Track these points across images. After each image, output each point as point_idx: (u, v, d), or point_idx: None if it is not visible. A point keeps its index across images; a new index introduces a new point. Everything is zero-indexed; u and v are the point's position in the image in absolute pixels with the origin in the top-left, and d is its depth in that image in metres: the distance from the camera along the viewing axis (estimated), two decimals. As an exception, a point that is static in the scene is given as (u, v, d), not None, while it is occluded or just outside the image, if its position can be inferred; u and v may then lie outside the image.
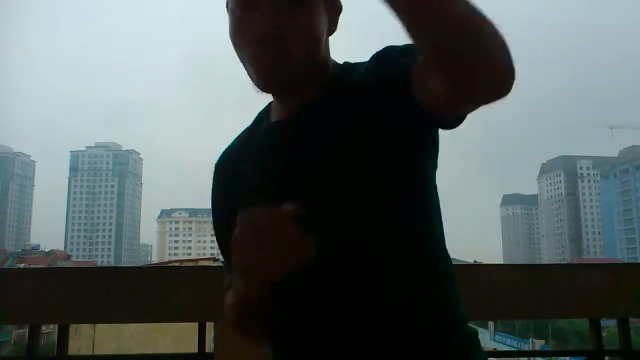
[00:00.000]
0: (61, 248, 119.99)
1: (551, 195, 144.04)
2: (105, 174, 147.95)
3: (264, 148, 0.82)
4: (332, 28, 0.83)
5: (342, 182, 0.73)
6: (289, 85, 0.78)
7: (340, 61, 0.86)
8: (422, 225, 0.77)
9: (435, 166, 0.81)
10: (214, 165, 0.94)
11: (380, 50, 0.77)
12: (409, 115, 0.71)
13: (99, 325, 11.53)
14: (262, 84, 0.78)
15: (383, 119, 0.73)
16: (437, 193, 0.82)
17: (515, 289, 1.72)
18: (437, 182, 0.82)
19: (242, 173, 0.84)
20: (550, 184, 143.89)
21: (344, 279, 0.73)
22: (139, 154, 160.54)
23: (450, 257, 0.83)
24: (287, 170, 0.77)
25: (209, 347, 1.76)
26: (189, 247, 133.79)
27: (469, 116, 0.78)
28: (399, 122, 0.73)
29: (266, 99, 0.88)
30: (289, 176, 0.77)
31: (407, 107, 0.70)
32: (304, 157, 0.77)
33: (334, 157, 0.74)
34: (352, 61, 0.84)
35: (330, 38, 0.85)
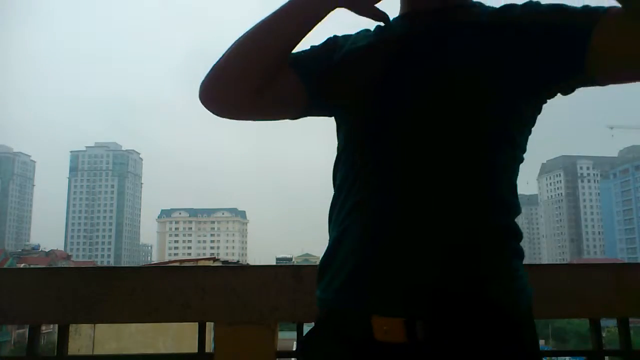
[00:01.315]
0: (61, 248, 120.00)
1: (551, 195, 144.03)
2: (105, 174, 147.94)
3: (397, 31, 0.83)
4: None
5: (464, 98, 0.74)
6: None
7: None
8: (509, 190, 0.78)
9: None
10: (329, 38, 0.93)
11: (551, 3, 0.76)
12: (562, 65, 0.72)
13: (99, 325, 11.52)
14: None
15: (528, 56, 0.73)
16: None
17: (515, 289, 1.71)
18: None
19: (381, 39, 0.84)
20: (550, 184, 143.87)
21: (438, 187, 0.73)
22: (139, 154, 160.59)
23: None
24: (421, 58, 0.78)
25: (209, 347, 1.76)
26: (189, 247, 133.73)
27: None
28: (544, 68, 0.73)
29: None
30: (420, 65, 0.77)
31: (568, 57, 0.71)
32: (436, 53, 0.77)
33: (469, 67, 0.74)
34: None
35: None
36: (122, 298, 1.67)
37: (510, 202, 0.77)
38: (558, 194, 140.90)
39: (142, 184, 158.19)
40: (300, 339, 0.85)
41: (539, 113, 0.81)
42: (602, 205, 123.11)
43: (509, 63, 0.74)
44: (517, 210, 0.78)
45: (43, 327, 1.88)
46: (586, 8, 0.71)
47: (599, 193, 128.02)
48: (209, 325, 1.78)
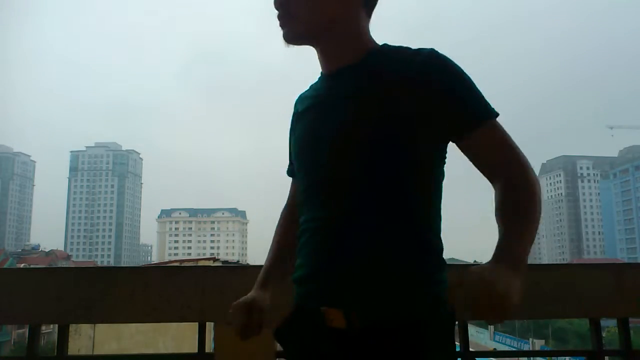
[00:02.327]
0: (61, 248, 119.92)
1: (551, 195, 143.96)
2: (105, 174, 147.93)
3: (315, 94, 1.09)
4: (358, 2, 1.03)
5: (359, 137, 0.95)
6: (298, 38, 1.03)
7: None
8: (420, 199, 0.95)
9: (442, 164, 1.00)
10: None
11: (455, 77, 0.95)
12: (437, 131, 0.94)
13: (99, 325, 11.51)
14: (283, 37, 1.03)
15: (414, 111, 0.93)
16: (440, 188, 0.99)
17: (515, 289, 1.71)
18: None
19: (304, 110, 1.10)
20: (550, 184, 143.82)
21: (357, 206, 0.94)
22: (139, 154, 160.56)
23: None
24: (329, 113, 1.01)
25: (209, 347, 1.76)
26: (189, 247, 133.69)
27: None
28: (425, 130, 0.94)
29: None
30: (330, 117, 1.00)
31: (439, 130, 0.94)
32: (336, 107, 1.00)
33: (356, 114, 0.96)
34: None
35: None
36: (122, 298, 1.67)
37: (425, 221, 0.96)
38: (558, 194, 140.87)
39: (142, 184, 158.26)
40: (277, 327, 1.07)
41: (441, 139, 0.98)
42: (602, 205, 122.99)
43: (394, 125, 0.93)
44: (433, 227, 0.97)
45: (43, 327, 1.88)
46: (472, 109, 0.94)
47: (599, 193, 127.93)
48: (209, 325, 1.78)
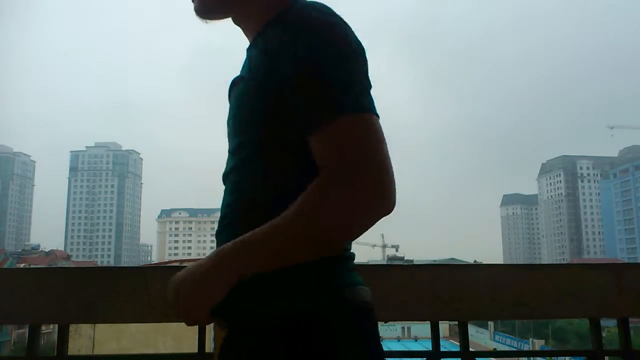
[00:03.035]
0: (61, 248, 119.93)
1: (551, 195, 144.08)
2: (105, 174, 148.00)
3: None
4: None
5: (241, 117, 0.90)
6: (206, 11, 0.97)
7: None
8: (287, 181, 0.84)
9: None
10: None
11: (309, 58, 0.80)
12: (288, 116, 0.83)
13: (99, 325, 11.51)
14: (195, 12, 0.98)
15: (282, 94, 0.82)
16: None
17: (515, 289, 1.71)
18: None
19: None
20: (550, 184, 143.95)
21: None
22: (139, 154, 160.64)
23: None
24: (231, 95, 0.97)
25: (209, 347, 1.76)
26: (189, 247, 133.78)
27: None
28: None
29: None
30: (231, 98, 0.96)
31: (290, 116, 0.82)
32: (234, 87, 0.95)
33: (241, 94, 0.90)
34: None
35: None
36: (122, 298, 1.67)
37: None
38: (558, 194, 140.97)
39: (142, 184, 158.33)
40: None
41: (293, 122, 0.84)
42: (602, 205, 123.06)
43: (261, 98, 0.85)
44: None
45: (43, 327, 1.88)
46: (319, 105, 0.77)
47: (599, 193, 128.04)
48: (209, 325, 1.78)
